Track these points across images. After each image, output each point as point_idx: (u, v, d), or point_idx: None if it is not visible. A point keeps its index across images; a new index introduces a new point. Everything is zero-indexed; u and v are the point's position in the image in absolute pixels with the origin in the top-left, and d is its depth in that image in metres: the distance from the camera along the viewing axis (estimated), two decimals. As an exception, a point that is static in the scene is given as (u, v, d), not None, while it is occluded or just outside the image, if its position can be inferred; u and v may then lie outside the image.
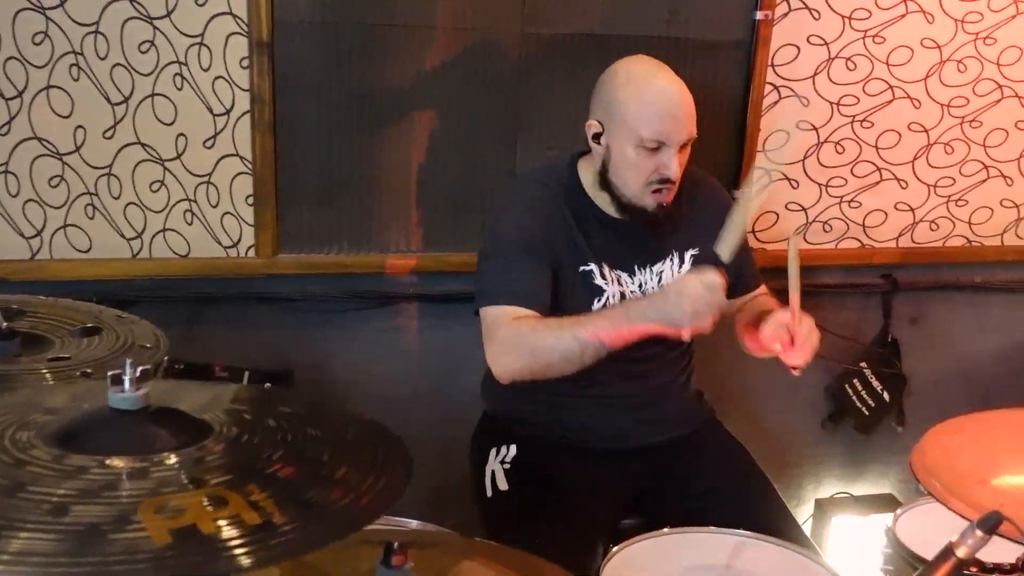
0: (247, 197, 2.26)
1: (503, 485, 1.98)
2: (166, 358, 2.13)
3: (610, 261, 1.96)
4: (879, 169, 2.57)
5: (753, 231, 2.54)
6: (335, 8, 2.19)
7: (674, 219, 1.95)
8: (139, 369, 1.05)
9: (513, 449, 2.03)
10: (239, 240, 2.29)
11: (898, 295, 2.69)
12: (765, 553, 1.77)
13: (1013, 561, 1.85)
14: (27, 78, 2.09)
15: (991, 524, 1.11)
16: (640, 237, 1.97)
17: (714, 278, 1.70)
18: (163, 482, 0.95)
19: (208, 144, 2.22)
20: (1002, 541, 1.88)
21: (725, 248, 1.80)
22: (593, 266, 1.95)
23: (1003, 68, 2.54)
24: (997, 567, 1.85)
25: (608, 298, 1.95)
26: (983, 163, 2.62)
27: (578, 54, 2.32)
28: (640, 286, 1.98)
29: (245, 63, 2.18)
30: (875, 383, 2.69)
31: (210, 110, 2.19)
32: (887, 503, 2.77)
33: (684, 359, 2.12)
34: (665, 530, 1.77)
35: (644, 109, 1.85)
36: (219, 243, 2.29)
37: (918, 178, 2.60)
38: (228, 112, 2.20)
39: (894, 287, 2.67)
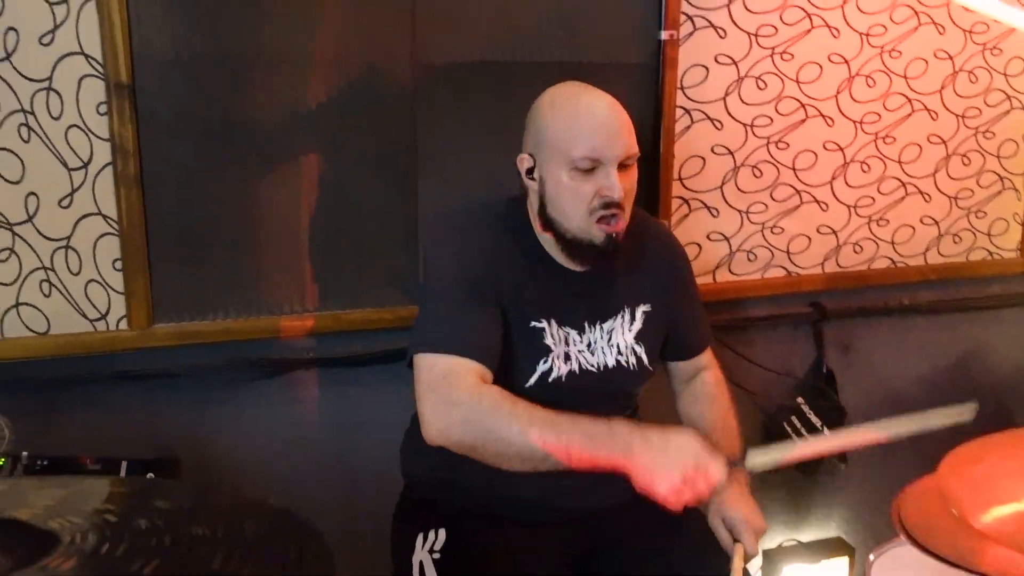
0: (114, 261, 1.98)
1: None
2: (24, 453, 1.85)
3: (559, 317, 1.74)
4: (798, 192, 2.45)
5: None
6: (200, 40, 1.95)
7: (627, 261, 1.77)
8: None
9: (442, 534, 1.77)
10: (108, 311, 2.00)
11: (828, 323, 2.56)
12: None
13: None
14: None
15: None
16: (590, 289, 1.77)
17: (722, 472, 1.49)
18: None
19: (64, 203, 1.93)
20: None
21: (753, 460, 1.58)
22: (544, 323, 1.72)
23: (911, 81, 2.47)
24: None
25: (552, 360, 1.73)
26: (900, 180, 2.53)
27: (474, 83, 2.14)
28: (589, 345, 1.77)
29: (103, 108, 1.91)
30: (813, 418, 2.53)
31: (64, 164, 1.92)
32: (838, 547, 2.61)
33: (631, 418, 1.92)
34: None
35: (571, 127, 1.66)
36: (85, 316, 1.99)
37: (838, 199, 2.49)
38: (86, 165, 1.93)
39: (823, 315, 2.54)
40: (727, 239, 2.42)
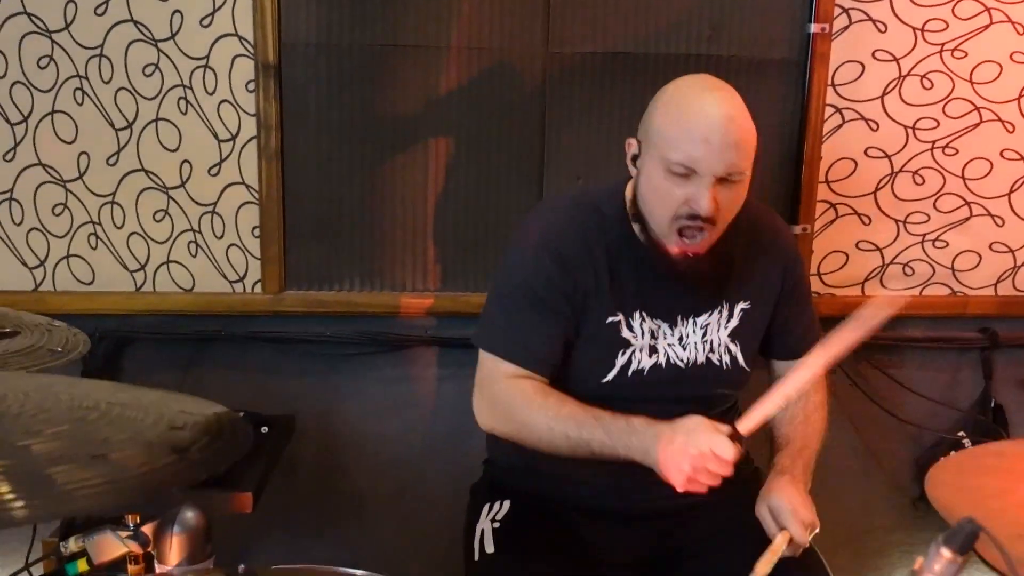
0: (253, 229, 2.14)
1: (490, 547, 1.71)
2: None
3: (648, 308, 1.69)
4: (968, 203, 2.22)
5: (819, 273, 2.24)
6: (343, 29, 2.08)
7: (733, 255, 1.69)
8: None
9: (507, 505, 1.77)
10: (245, 274, 2.16)
11: (1000, 352, 2.29)
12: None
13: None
14: (32, 103, 2.05)
15: (963, 539, 0.80)
16: (687, 281, 1.67)
17: (728, 450, 1.47)
18: None
19: (213, 172, 2.11)
20: None
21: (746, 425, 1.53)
22: (620, 316, 1.67)
23: (1115, 86, 2.18)
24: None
25: (633, 353, 1.69)
26: (1098, 197, 2.24)
27: (607, 75, 2.12)
28: (681, 339, 1.71)
29: (251, 87, 2.08)
30: (976, 456, 2.27)
31: (215, 136, 2.10)
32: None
33: (725, 418, 1.82)
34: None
35: (675, 129, 1.56)
36: (225, 277, 2.16)
37: (1017, 214, 2.23)
38: (234, 138, 2.10)
39: (994, 343, 2.28)
40: (879, 250, 2.23)
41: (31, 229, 2.11)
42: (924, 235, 2.24)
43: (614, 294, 1.67)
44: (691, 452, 1.46)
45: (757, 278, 1.76)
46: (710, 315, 1.72)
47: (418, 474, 2.24)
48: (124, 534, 1.38)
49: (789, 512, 1.58)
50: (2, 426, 0.83)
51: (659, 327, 1.69)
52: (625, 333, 1.68)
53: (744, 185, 1.60)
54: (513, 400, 1.65)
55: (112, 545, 1.39)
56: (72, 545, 1.41)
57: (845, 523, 2.33)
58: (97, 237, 2.12)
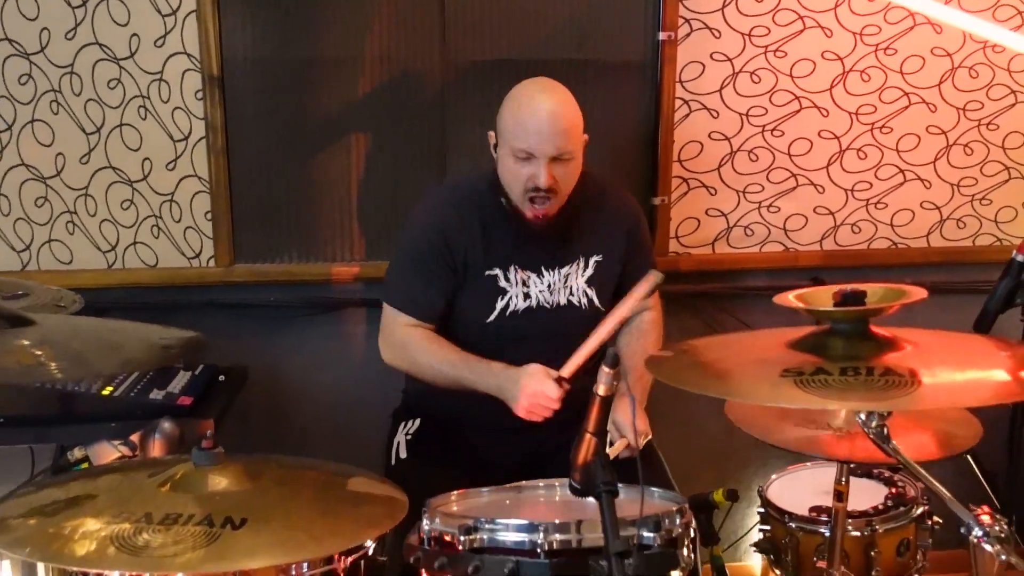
0: (206, 213, 2.57)
1: (404, 454, 2.18)
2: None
3: (520, 262, 2.17)
4: (794, 175, 2.73)
5: (676, 236, 2.72)
6: (275, 45, 2.52)
7: (559, 228, 2.15)
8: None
9: (418, 422, 2.24)
10: (200, 251, 2.59)
11: (827, 297, 2.79)
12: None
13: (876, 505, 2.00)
14: (15, 113, 2.46)
15: (612, 361, 1.35)
16: (549, 241, 2.18)
17: (553, 393, 1.96)
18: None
19: (170, 167, 2.54)
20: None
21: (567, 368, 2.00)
22: (498, 270, 2.16)
23: (907, 76, 2.69)
24: (863, 513, 2.01)
25: (510, 298, 2.16)
26: (898, 167, 2.75)
27: (495, 79, 2.56)
28: (549, 286, 2.19)
29: (200, 95, 2.50)
30: (809, 382, 2.77)
31: (171, 137, 2.52)
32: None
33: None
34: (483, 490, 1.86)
35: (515, 123, 2.07)
36: (183, 254, 2.59)
37: (834, 183, 2.74)
38: (186, 138, 2.53)
39: (821, 288, 2.79)
40: (724, 215, 2.73)
41: (17, 219, 2.52)
42: (760, 202, 2.74)
43: (491, 253, 2.16)
44: (529, 390, 1.99)
45: (607, 236, 2.24)
46: (570, 267, 2.20)
47: (352, 413, 2.69)
48: (117, 442, 1.81)
49: (626, 425, 2.05)
50: (57, 341, 1.26)
51: (529, 277, 2.17)
52: (502, 283, 2.16)
53: (576, 162, 2.10)
54: (407, 344, 2.16)
55: (108, 451, 1.82)
56: (76, 453, 1.83)
57: (703, 447, 2.78)
58: (74, 224, 2.54)
